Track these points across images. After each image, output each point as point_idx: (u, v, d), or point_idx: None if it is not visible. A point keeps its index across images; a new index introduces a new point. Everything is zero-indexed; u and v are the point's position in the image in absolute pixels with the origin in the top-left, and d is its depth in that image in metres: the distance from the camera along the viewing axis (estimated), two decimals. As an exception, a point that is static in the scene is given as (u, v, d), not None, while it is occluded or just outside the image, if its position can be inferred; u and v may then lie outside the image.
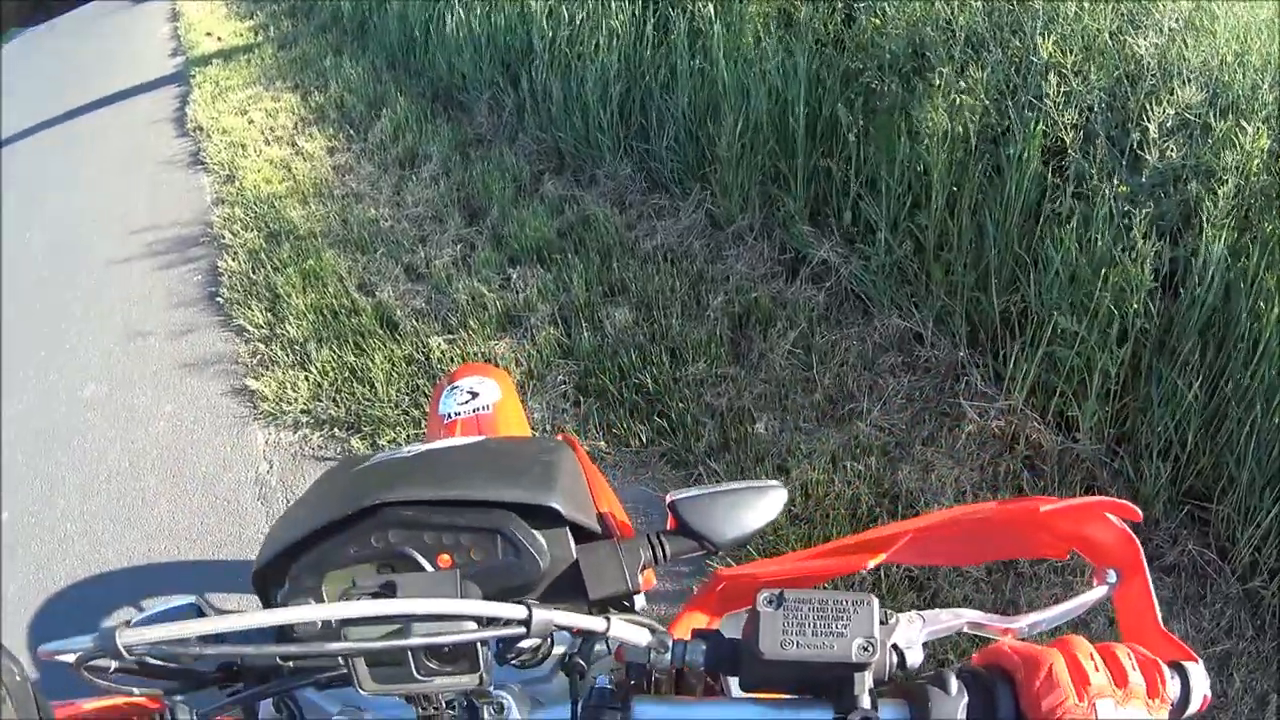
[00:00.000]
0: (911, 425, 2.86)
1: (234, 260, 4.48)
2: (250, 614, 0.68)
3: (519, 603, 0.71)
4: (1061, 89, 2.69)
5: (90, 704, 0.88)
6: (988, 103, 2.95)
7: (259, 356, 3.84)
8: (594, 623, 0.75)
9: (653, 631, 0.79)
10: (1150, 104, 2.47)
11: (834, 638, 0.70)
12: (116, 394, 3.89)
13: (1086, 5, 2.97)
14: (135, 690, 0.88)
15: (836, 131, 3.50)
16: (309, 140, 5.74)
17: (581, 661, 0.82)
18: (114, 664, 0.73)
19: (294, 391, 3.53)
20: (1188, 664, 0.71)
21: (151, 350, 4.08)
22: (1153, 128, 2.43)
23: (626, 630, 0.77)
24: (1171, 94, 2.47)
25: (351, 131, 5.75)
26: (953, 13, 3.23)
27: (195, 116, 6.84)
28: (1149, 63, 2.70)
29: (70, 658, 0.72)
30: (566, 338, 3.48)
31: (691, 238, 3.85)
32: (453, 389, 1.81)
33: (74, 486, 3.42)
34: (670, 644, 0.78)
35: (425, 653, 0.73)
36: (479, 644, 0.72)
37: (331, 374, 3.56)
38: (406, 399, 3.39)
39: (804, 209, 3.63)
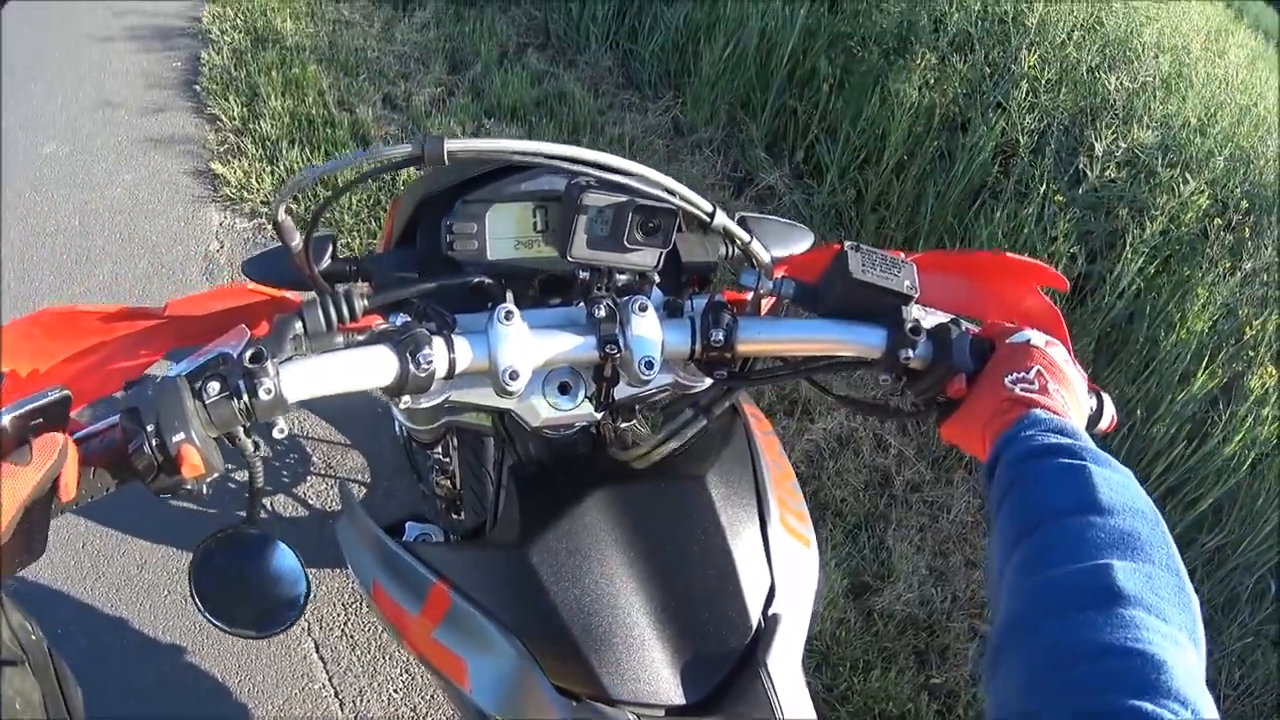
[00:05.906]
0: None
1: (217, 55, 4.18)
2: (538, 143, 0.86)
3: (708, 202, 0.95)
4: (1029, 99, 2.78)
5: (226, 296, 1.00)
6: (959, 90, 3.02)
7: (228, 145, 3.65)
8: (741, 233, 0.99)
9: (761, 265, 1.03)
10: (1105, 134, 2.57)
11: (892, 277, 0.87)
12: (76, 156, 3.62)
13: (1074, 36, 3.05)
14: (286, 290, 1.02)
15: (813, 80, 3.55)
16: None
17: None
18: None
19: (258, 183, 3.40)
20: (1104, 394, 0.93)
21: (120, 121, 3.81)
22: (1099, 147, 2.54)
23: (758, 250, 1.03)
24: (1129, 133, 2.58)
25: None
26: (947, 8, 3.27)
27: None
28: (1115, 101, 2.80)
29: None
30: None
31: (655, 136, 3.85)
32: None
33: (18, 236, 3.19)
34: (773, 278, 0.95)
35: (637, 223, 0.95)
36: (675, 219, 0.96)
37: (298, 173, 3.41)
38: (366, 211, 3.34)
39: (764, 138, 3.67)
